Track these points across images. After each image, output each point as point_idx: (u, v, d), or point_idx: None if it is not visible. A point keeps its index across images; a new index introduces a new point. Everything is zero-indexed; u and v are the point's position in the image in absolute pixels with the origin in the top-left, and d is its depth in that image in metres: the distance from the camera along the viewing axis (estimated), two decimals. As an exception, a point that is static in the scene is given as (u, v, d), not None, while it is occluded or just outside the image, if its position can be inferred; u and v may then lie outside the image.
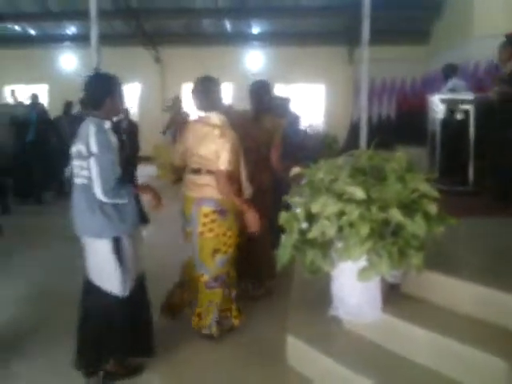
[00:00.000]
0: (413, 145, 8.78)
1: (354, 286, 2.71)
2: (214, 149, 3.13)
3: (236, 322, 3.36)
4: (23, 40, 15.03)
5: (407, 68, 12.86)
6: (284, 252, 2.75)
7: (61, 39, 15.39)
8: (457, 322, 2.64)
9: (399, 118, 13.09)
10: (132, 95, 14.96)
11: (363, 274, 2.56)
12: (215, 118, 3.26)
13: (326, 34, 13.55)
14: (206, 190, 3.18)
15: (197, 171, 3.24)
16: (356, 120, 11.40)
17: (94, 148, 2.60)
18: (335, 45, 13.69)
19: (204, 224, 3.16)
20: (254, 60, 14.73)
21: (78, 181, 2.74)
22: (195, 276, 3.34)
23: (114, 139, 2.69)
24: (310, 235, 2.66)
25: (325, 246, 2.70)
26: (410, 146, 8.89)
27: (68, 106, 9.51)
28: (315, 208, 2.64)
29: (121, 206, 2.69)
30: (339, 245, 2.64)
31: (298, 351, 2.91)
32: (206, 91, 3.28)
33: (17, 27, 15.06)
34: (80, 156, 2.69)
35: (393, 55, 12.24)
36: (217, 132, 3.16)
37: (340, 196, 2.62)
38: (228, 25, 14.29)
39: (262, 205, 3.45)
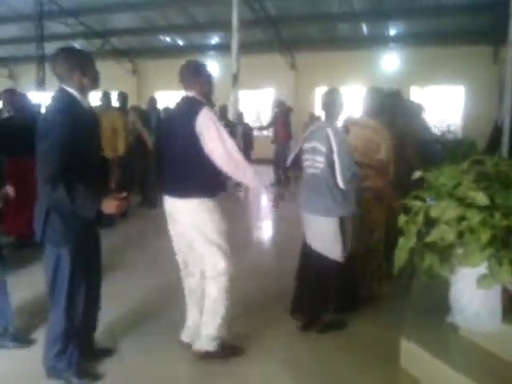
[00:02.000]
0: None
1: (473, 294, 2.66)
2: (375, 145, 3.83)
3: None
4: (172, 50, 16.40)
5: None
6: (401, 255, 2.78)
7: (205, 48, 16.52)
8: None
9: (551, 122, 11.90)
10: (266, 100, 15.57)
11: (483, 281, 2.50)
12: (372, 122, 3.93)
13: (468, 33, 12.80)
14: (367, 181, 3.75)
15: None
16: (500, 124, 10.62)
17: (335, 147, 3.26)
18: (478, 44, 12.88)
19: (364, 208, 3.78)
20: (390, 62, 14.45)
21: (310, 171, 3.46)
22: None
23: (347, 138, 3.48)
24: (429, 239, 2.67)
25: (444, 251, 2.69)
26: None
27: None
28: (435, 212, 2.65)
29: (346, 193, 3.35)
30: (459, 250, 2.62)
31: (412, 354, 2.91)
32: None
33: (167, 39, 16.49)
34: (315, 152, 3.40)
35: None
36: (376, 132, 3.87)
37: (461, 201, 2.60)
38: (364, 28, 14.19)
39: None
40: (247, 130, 11.21)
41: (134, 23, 15.12)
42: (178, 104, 3.13)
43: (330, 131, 3.31)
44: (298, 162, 3.68)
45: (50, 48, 14.35)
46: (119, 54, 17.12)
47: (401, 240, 2.82)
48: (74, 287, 2.69)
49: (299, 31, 14.85)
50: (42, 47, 13.01)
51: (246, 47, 10.97)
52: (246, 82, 11.36)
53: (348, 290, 3.59)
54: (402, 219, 2.82)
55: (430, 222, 2.71)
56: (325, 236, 3.39)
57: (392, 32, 14.26)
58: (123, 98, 7.84)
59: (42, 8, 12.77)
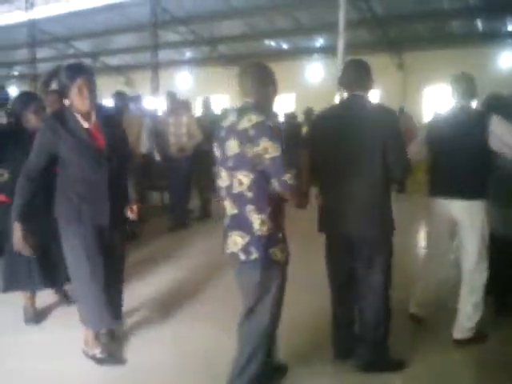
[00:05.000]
0: None
1: None
2: None
3: None
4: (277, 54, 16.59)
5: None
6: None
7: (310, 51, 16.51)
8: None
9: None
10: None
11: None
12: None
13: None
14: None
15: None
16: None
17: None
18: None
19: None
20: (509, 60, 13.42)
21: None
22: None
23: None
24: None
25: None
26: None
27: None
28: None
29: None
30: None
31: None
32: None
33: (272, 43, 16.72)
34: None
35: None
36: None
37: None
38: (479, 24, 13.34)
39: None
40: None
41: (240, 30, 15.51)
42: (457, 112, 3.33)
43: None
44: None
45: (163, 55, 15.27)
46: (226, 60, 17.66)
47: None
48: None
49: (407, 30, 14.31)
50: (157, 55, 13.78)
51: (352, 48, 10.77)
52: (350, 84, 11.16)
53: None
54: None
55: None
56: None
57: (511, 27, 13.24)
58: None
59: (156, 18, 13.53)
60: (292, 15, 14.09)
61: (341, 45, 9.63)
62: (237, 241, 2.43)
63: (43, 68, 18.16)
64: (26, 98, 3.60)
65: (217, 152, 2.57)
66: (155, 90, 13.42)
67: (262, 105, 2.50)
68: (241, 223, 2.42)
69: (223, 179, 2.52)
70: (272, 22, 14.84)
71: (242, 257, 2.42)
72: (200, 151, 6.54)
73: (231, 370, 2.57)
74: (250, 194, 2.38)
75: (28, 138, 3.29)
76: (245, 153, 2.34)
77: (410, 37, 14.46)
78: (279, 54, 16.62)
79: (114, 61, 19.92)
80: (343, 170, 2.82)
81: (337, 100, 9.90)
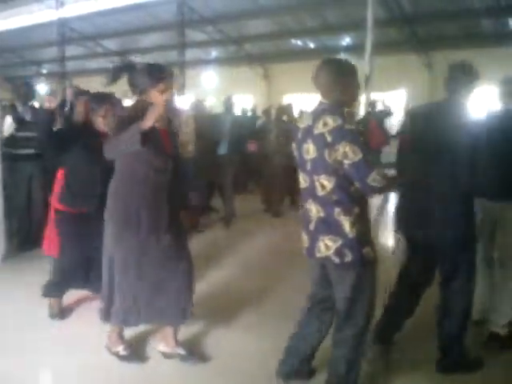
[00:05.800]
0: None
1: None
2: None
3: None
4: (303, 53, 16.48)
5: None
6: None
7: (336, 50, 16.34)
8: None
9: None
10: (396, 102, 14.92)
11: None
12: None
13: None
14: None
15: None
16: None
17: None
18: None
19: None
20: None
21: None
22: None
23: None
24: None
25: None
26: None
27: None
28: None
29: None
30: None
31: None
32: None
33: (299, 42, 16.61)
34: None
35: None
36: None
37: None
38: (511, 22, 12.99)
39: None
40: None
41: (266, 28, 15.45)
42: (504, 115, 3.30)
43: None
44: None
45: (189, 55, 15.30)
46: (252, 59, 17.62)
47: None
48: None
49: (437, 29, 14.02)
50: (183, 54, 13.82)
51: (379, 47, 10.60)
52: (376, 83, 11.00)
53: None
54: None
55: None
56: None
57: (545, 26, 12.89)
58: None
59: (183, 17, 13.59)
60: (319, 14, 13.96)
61: (368, 44, 9.47)
62: (328, 244, 2.37)
63: (71, 66, 18.49)
64: (98, 99, 3.49)
65: (295, 153, 2.55)
66: (181, 89, 13.46)
67: (339, 105, 2.39)
68: (330, 227, 2.36)
69: (302, 181, 2.52)
70: (299, 21, 14.72)
71: (336, 260, 2.36)
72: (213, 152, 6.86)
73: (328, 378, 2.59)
74: (334, 197, 2.33)
75: (94, 140, 3.24)
76: (323, 158, 2.29)
77: (438, 36, 14.17)
78: (306, 53, 16.48)
79: (141, 59, 20.07)
80: (431, 171, 2.81)
81: (363, 99, 9.78)
